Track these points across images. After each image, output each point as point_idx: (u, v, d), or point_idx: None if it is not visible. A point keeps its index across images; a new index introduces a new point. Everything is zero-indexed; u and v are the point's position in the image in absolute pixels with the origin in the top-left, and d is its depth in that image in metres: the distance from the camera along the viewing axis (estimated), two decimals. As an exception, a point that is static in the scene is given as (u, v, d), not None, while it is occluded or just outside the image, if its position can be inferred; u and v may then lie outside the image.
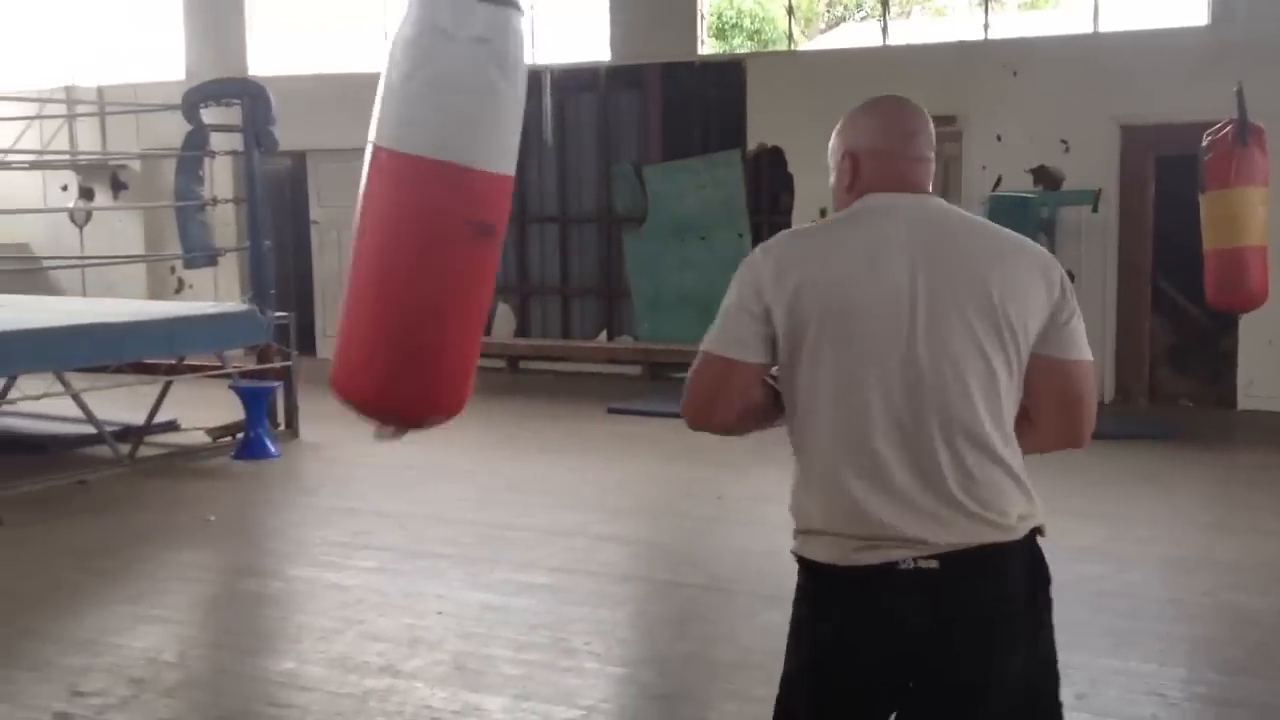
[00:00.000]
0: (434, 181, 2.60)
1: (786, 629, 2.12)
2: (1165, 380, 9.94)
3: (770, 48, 14.39)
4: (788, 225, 10.08)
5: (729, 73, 11.07)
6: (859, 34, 14.85)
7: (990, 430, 1.99)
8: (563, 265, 11.84)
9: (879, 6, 11.27)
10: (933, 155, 2.16)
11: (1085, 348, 2.10)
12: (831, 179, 2.18)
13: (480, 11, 2.54)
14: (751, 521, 5.95)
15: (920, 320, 1.97)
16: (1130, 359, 9.76)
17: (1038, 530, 2.06)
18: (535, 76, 11.40)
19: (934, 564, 1.93)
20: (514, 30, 2.61)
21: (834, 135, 2.19)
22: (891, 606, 1.96)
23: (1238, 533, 5.99)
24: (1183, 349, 9.98)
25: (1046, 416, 2.08)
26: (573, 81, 11.00)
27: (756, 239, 10.20)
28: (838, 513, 1.98)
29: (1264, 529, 6.03)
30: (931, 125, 2.18)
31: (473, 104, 2.62)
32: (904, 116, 2.16)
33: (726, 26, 15.47)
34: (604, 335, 11.71)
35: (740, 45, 15.15)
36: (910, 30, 13.26)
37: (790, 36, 11.94)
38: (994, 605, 1.98)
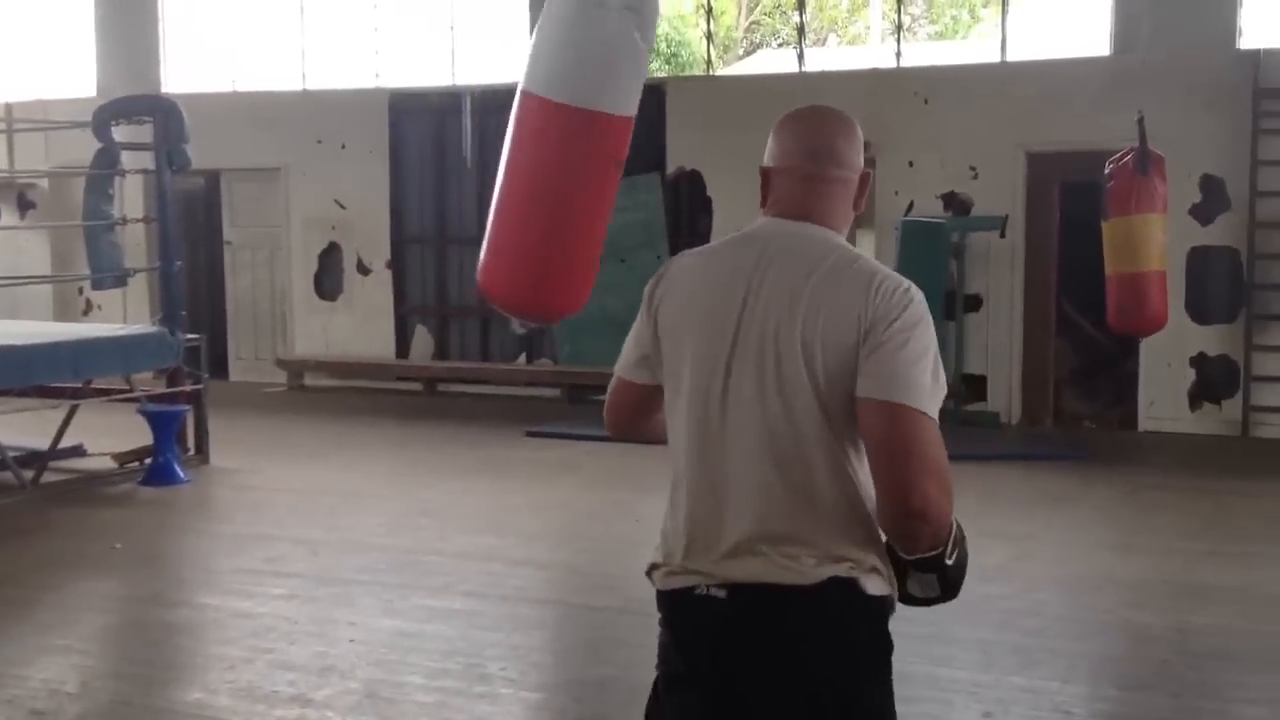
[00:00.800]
0: (585, 126, 3.63)
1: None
2: (1070, 402, 10.21)
3: (686, 72, 14.53)
4: (706, 248, 10.20)
5: (649, 96, 10.90)
6: (776, 60, 15.10)
7: (783, 472, 1.92)
8: (482, 287, 11.79)
9: (795, 34, 11.47)
10: (843, 173, 2.04)
11: (912, 391, 1.83)
12: None
13: None
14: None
15: (736, 354, 1.96)
16: (1036, 381, 10.00)
17: (853, 587, 1.91)
18: (456, 98, 11.49)
19: (722, 593, 1.95)
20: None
21: None
22: (686, 631, 2.02)
23: (1138, 552, 6.17)
24: (1086, 371, 10.27)
25: (873, 468, 1.87)
26: (495, 102, 10.95)
27: (675, 262, 10.26)
28: (664, 540, 2.07)
29: (1163, 548, 6.21)
30: (851, 138, 2.06)
31: (622, 61, 3.72)
32: (813, 133, 2.06)
33: (645, 50, 15.60)
34: (523, 358, 11.69)
35: (656, 69, 15.27)
36: (826, 58, 13.53)
37: (709, 61, 12.08)
38: (773, 646, 1.92)
